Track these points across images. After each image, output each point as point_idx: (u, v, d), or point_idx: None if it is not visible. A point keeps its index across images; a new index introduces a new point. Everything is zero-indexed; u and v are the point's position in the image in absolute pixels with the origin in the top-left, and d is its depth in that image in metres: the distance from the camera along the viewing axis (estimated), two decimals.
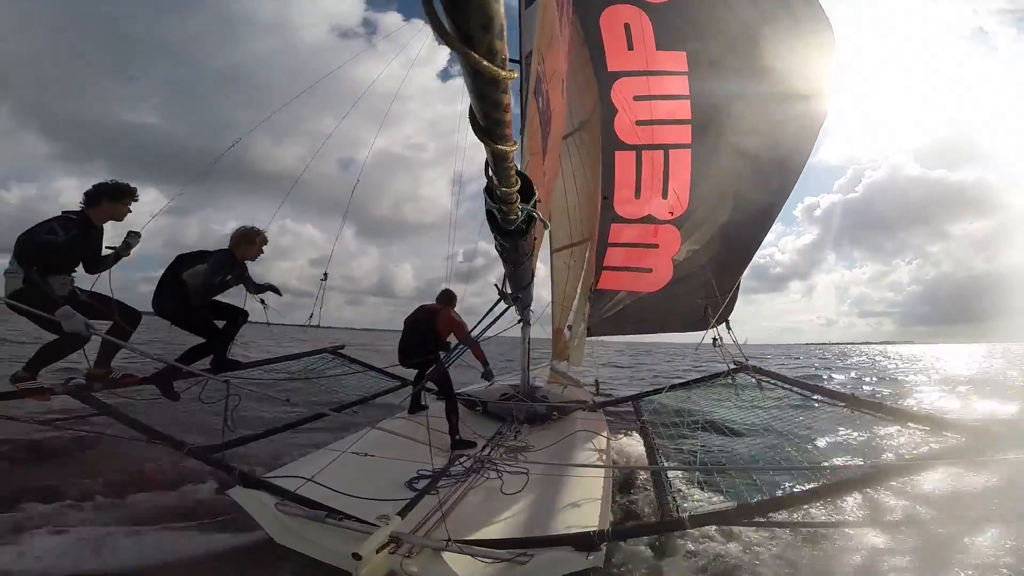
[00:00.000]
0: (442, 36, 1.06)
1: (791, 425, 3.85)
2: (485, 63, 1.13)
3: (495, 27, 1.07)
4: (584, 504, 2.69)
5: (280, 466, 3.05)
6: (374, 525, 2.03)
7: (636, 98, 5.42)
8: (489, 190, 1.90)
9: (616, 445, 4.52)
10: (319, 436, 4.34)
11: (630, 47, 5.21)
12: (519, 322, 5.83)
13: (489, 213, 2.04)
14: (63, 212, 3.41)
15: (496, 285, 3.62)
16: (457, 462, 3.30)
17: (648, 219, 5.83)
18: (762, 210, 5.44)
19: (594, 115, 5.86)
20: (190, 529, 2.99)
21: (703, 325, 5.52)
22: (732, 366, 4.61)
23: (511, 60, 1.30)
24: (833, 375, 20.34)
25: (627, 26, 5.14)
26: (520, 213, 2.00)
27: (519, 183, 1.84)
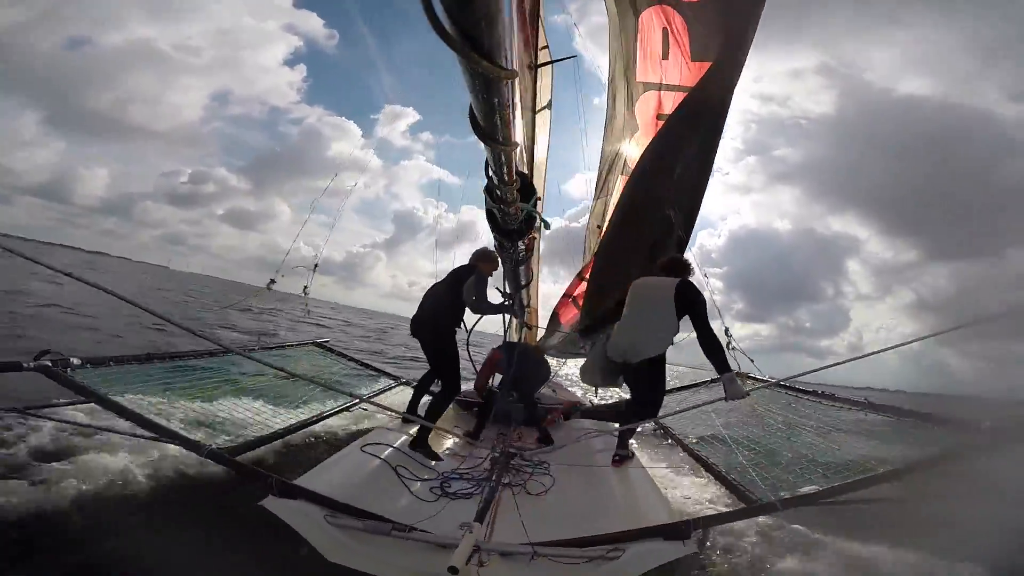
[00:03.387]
0: (442, 37, 1.06)
1: (794, 427, 3.93)
2: (485, 63, 1.13)
3: (496, 28, 1.07)
4: (640, 499, 2.65)
5: (299, 472, 2.71)
6: (439, 537, 1.94)
7: (661, 117, 4.57)
8: (489, 190, 1.90)
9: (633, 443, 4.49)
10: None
11: (665, 56, 4.36)
12: (524, 326, 5.80)
13: (489, 212, 2.04)
14: None
15: (496, 288, 3.61)
16: (490, 465, 3.17)
17: None
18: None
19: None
20: (215, 542, 2.58)
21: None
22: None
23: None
24: None
25: (665, 31, 4.32)
26: (520, 213, 2.00)
27: (519, 183, 1.84)
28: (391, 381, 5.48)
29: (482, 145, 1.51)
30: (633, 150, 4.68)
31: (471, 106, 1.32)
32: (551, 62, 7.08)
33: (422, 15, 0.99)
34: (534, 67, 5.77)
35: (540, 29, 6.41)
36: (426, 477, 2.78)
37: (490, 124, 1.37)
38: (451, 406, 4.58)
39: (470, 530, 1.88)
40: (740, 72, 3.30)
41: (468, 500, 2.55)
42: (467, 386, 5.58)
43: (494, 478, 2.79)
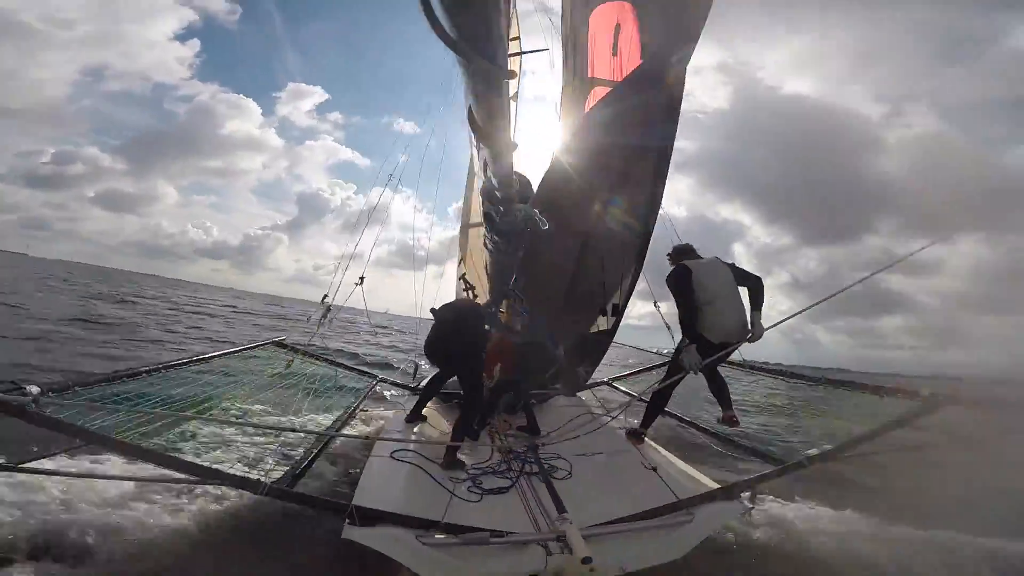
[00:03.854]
0: (442, 38, 1.03)
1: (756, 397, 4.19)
2: (486, 64, 1.10)
3: (495, 28, 1.05)
4: (667, 470, 2.79)
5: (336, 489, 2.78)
6: (539, 535, 1.98)
7: None
8: (488, 191, 1.87)
9: (620, 421, 4.52)
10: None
11: (615, 52, 4.26)
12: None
13: (487, 214, 2.01)
14: None
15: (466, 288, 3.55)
16: (500, 456, 3.16)
17: None
18: None
19: None
20: None
21: None
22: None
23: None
24: None
25: (617, 27, 4.25)
26: (519, 214, 1.97)
27: (518, 183, 1.81)
28: (368, 379, 5.44)
29: (479, 145, 1.48)
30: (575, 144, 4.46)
31: (469, 108, 1.29)
32: (520, 53, 6.99)
33: (418, 14, 0.95)
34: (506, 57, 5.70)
35: (513, 19, 6.31)
36: (459, 478, 2.79)
37: (491, 125, 1.34)
38: (435, 399, 4.56)
39: (569, 522, 1.93)
40: (687, 63, 3.28)
41: (504, 495, 2.57)
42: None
43: (535, 469, 2.84)
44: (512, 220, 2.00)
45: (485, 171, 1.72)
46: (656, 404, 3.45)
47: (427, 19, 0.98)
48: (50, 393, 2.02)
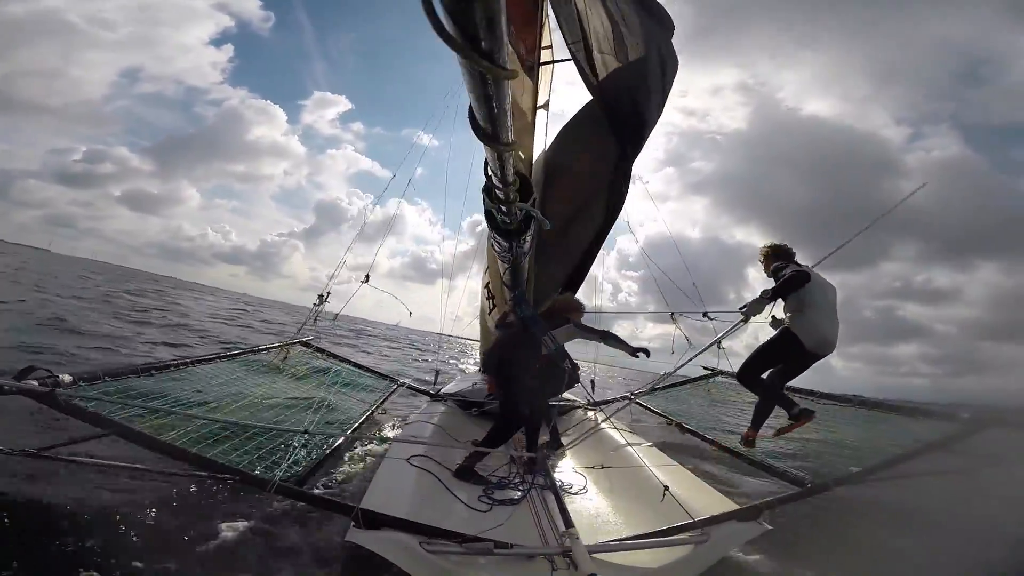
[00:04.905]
0: (443, 37, 1.05)
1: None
2: (486, 63, 1.12)
3: (496, 28, 1.06)
4: (686, 488, 2.74)
5: (345, 491, 2.85)
6: (545, 548, 1.97)
7: None
8: (488, 190, 1.89)
9: (638, 437, 4.43)
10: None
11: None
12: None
13: (488, 213, 2.03)
14: None
15: (487, 287, 3.59)
16: (515, 468, 3.17)
17: None
18: None
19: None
20: None
21: None
22: (706, 370, 4.92)
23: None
24: None
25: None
26: (519, 213, 1.99)
27: (518, 183, 1.83)
28: (390, 383, 5.43)
29: (482, 146, 1.51)
30: None
31: (470, 107, 1.32)
32: (552, 62, 7.05)
33: (420, 15, 0.98)
34: (537, 67, 5.74)
35: (545, 28, 6.39)
36: (472, 487, 2.79)
37: (491, 125, 1.36)
38: (449, 405, 4.51)
39: (576, 537, 1.90)
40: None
41: (515, 507, 2.57)
42: (459, 385, 5.50)
43: (548, 483, 2.81)
44: (513, 219, 2.02)
45: (486, 170, 1.74)
46: (770, 398, 3.19)
47: (428, 18, 1.00)
48: (81, 383, 2.06)
